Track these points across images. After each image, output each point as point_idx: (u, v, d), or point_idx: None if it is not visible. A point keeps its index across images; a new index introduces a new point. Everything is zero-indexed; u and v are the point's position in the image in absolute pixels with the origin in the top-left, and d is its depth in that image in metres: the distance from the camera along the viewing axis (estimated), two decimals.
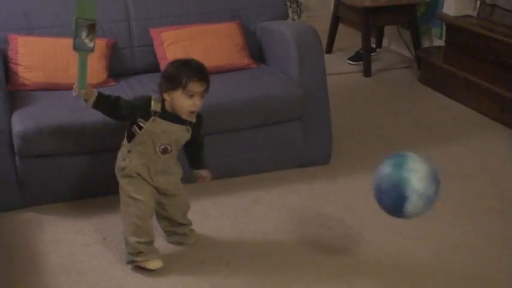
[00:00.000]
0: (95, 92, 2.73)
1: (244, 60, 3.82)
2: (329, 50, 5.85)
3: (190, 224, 2.99)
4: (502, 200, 3.39)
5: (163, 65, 3.71)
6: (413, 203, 2.37)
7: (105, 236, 3.08)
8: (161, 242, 2.96)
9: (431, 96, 4.89)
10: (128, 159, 2.77)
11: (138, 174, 2.75)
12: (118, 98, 2.78)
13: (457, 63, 4.89)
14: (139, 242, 2.77)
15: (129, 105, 2.77)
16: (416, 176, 2.37)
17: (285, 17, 4.13)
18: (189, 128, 2.77)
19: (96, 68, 3.58)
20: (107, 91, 3.45)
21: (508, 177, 3.63)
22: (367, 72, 5.33)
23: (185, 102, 2.67)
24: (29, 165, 3.21)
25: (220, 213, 3.25)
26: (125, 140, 2.79)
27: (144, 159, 2.75)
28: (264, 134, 3.57)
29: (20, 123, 3.16)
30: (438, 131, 4.26)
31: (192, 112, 2.72)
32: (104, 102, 2.75)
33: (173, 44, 3.75)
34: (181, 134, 2.77)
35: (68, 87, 3.48)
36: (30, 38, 3.59)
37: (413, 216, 2.46)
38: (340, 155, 3.85)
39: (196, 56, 3.68)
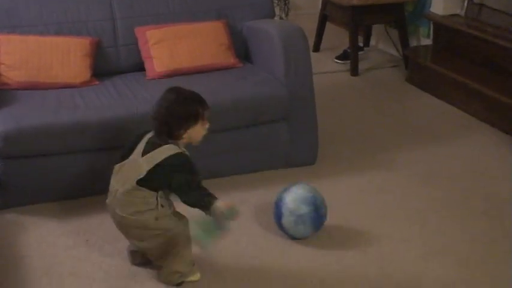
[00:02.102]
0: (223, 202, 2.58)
1: (230, 59, 3.79)
2: (316, 49, 5.82)
3: None
4: (489, 201, 3.38)
5: (148, 64, 3.70)
6: (286, 218, 2.96)
7: (88, 238, 3.04)
8: None
9: (419, 96, 4.88)
10: (166, 202, 2.66)
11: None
12: (200, 183, 2.64)
13: (444, 63, 4.88)
14: (193, 263, 2.77)
15: (197, 174, 2.66)
16: (290, 196, 2.98)
17: (272, 15, 4.11)
18: None
19: (80, 67, 3.55)
20: (90, 90, 3.47)
21: (495, 179, 3.62)
22: (354, 71, 5.31)
23: (202, 130, 2.71)
24: (11, 166, 3.17)
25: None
26: (148, 192, 2.60)
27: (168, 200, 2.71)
28: (249, 134, 3.55)
29: (1, 123, 3.12)
30: (425, 132, 4.25)
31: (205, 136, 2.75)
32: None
33: (158, 43, 3.71)
34: None
35: (51, 87, 3.48)
36: (13, 36, 3.55)
37: (295, 233, 3.00)
38: (326, 155, 3.83)
39: (181, 55, 3.70)
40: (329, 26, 5.91)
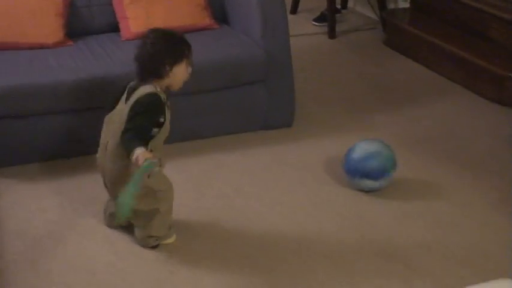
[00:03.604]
0: (145, 152, 2.41)
1: (206, 20, 3.74)
2: (294, 11, 5.77)
3: None
4: (464, 163, 3.40)
5: (123, 25, 3.64)
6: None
7: (62, 201, 3.01)
8: None
9: (396, 58, 4.87)
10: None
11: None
12: (145, 132, 2.52)
13: (422, 25, 4.86)
14: (170, 226, 2.75)
15: (152, 123, 2.55)
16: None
17: None
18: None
19: (53, 27, 3.48)
20: (64, 51, 3.41)
21: (470, 141, 3.64)
22: (331, 34, 5.27)
23: (185, 72, 2.66)
24: None
25: (182, 176, 3.19)
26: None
27: (162, 144, 2.65)
28: (226, 96, 3.52)
29: None
30: (402, 94, 4.25)
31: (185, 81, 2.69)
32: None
33: (133, 3, 3.65)
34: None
35: (23, 47, 3.41)
36: None
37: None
38: (303, 117, 3.82)
39: (157, 16, 3.64)
40: None
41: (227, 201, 3.05)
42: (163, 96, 2.58)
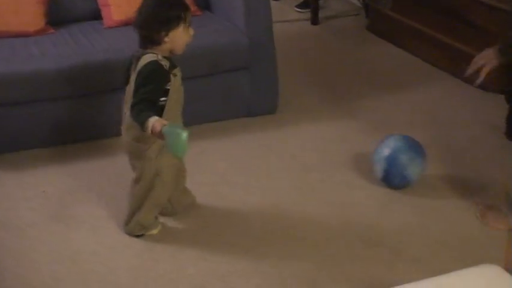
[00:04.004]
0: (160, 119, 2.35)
1: None
2: None
3: None
4: (448, 149, 3.41)
5: (105, 12, 3.61)
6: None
7: (45, 189, 3.00)
8: None
9: (380, 45, 4.87)
10: None
11: None
12: (152, 102, 2.44)
13: (405, 11, 4.86)
14: (156, 217, 2.74)
15: (158, 91, 2.47)
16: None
17: None
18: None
19: (34, 14, 3.45)
20: (45, 39, 3.38)
21: (453, 127, 3.65)
22: (314, 20, 5.27)
23: (185, 35, 2.54)
24: None
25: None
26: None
27: (179, 123, 2.59)
28: (210, 83, 3.51)
29: None
30: (386, 81, 4.25)
31: (188, 43, 2.58)
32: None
33: None
34: (181, 74, 2.60)
35: (4, 35, 3.39)
36: None
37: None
38: (287, 104, 3.81)
39: (139, 3, 3.60)
40: None
41: (212, 188, 3.05)
42: (165, 63, 2.49)
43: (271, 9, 3.59)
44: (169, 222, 2.80)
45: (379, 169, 3.02)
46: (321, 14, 5.34)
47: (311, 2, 5.30)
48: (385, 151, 3.00)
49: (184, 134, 2.26)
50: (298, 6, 5.57)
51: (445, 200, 2.99)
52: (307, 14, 5.38)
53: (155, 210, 2.72)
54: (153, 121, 2.31)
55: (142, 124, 2.34)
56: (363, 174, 3.18)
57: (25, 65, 3.14)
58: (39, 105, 3.20)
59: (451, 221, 2.85)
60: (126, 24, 3.55)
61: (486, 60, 2.79)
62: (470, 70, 2.84)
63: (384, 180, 3.03)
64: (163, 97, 2.49)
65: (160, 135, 2.29)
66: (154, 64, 2.48)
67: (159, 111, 2.45)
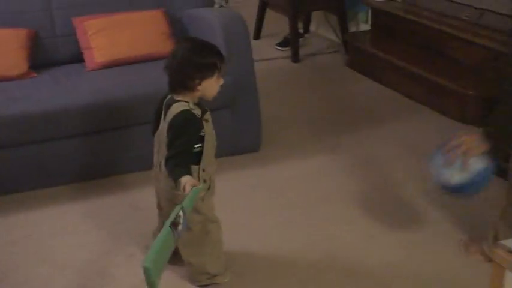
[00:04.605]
0: (191, 179, 2.34)
1: (170, 48, 3.73)
2: (257, 36, 5.83)
3: None
4: (429, 182, 3.44)
5: (87, 55, 3.64)
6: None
7: (29, 233, 2.99)
8: None
9: (359, 80, 4.94)
10: (207, 177, 2.50)
11: (214, 188, 2.59)
12: (187, 153, 2.43)
13: (383, 47, 4.95)
14: (222, 264, 2.68)
15: (192, 141, 2.45)
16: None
17: (211, 4, 4.10)
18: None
19: (16, 59, 3.48)
20: (28, 83, 3.41)
21: None
22: (295, 58, 5.33)
23: (217, 85, 2.49)
24: None
25: (149, 204, 3.18)
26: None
27: (213, 166, 2.55)
28: None
29: None
30: (367, 115, 4.30)
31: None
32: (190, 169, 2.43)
33: (97, 32, 3.66)
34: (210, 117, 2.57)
35: None
36: None
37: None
38: (270, 142, 3.85)
39: (122, 45, 3.66)
40: (269, 13, 5.91)
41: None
42: (197, 111, 2.44)
43: (252, 49, 3.64)
44: None
45: (464, 174, 2.65)
46: (302, 52, 5.41)
47: (291, 40, 5.37)
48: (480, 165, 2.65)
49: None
50: (279, 44, 5.64)
51: (429, 232, 3.01)
52: (287, 52, 5.45)
53: (220, 256, 2.67)
54: (185, 181, 2.30)
55: (175, 181, 2.34)
56: (347, 209, 3.20)
57: (8, 109, 3.16)
58: (24, 149, 3.21)
59: (436, 253, 2.86)
60: (108, 66, 3.61)
61: (469, 146, 2.52)
62: (448, 156, 2.59)
63: (454, 182, 2.68)
64: (198, 144, 2.45)
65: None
66: (186, 114, 2.42)
67: (196, 159, 2.45)
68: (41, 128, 3.19)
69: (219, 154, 3.63)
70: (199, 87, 2.44)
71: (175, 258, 2.65)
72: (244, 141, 3.70)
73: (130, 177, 3.45)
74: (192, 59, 2.43)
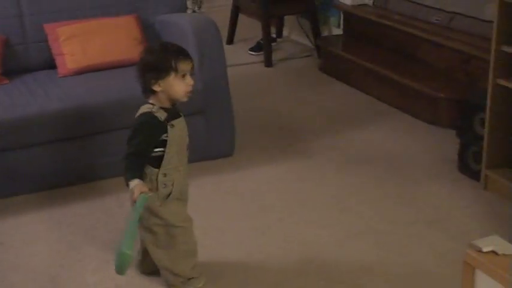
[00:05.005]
0: (140, 185, 2.37)
1: None
2: (230, 41, 5.84)
3: None
4: (402, 185, 3.47)
5: (59, 61, 3.63)
6: None
7: (2, 241, 2.97)
8: None
9: (332, 84, 4.96)
10: (169, 183, 2.49)
11: (180, 194, 2.55)
12: (140, 155, 2.44)
13: (355, 51, 4.98)
14: (192, 268, 2.62)
15: (150, 144, 2.45)
16: None
17: (183, 9, 4.09)
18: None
19: None
20: (0, 90, 3.38)
21: (406, 162, 3.72)
22: (268, 62, 5.35)
23: (180, 84, 2.46)
24: None
25: (123, 210, 3.19)
26: (150, 170, 2.46)
27: (180, 172, 2.53)
28: None
29: None
30: (340, 119, 4.33)
31: (188, 92, 2.50)
32: (142, 172, 2.46)
33: (69, 39, 3.65)
34: (184, 123, 2.58)
35: None
36: None
37: None
38: (244, 146, 3.85)
39: (94, 51, 3.65)
40: (242, 18, 5.93)
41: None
42: (160, 114, 2.45)
43: (224, 53, 3.65)
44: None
45: None
46: (275, 56, 5.43)
47: (264, 45, 5.39)
48: None
49: (128, 252, 2.21)
50: (252, 49, 5.66)
51: (402, 234, 3.04)
52: (260, 56, 5.47)
53: (189, 260, 2.63)
54: (134, 185, 2.34)
55: (126, 182, 2.37)
56: (320, 212, 3.22)
57: None
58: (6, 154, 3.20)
59: (408, 255, 2.89)
60: (80, 72, 3.60)
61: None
62: None
63: None
64: (159, 148, 2.45)
65: (133, 202, 2.34)
66: (146, 116, 2.45)
67: (155, 162, 2.45)
68: (13, 134, 3.17)
69: (192, 159, 3.64)
70: (157, 88, 2.44)
71: (153, 267, 2.68)
72: (217, 146, 3.71)
73: (105, 183, 3.44)
74: (145, 60, 2.48)
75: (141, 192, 2.32)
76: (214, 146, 3.70)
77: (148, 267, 2.71)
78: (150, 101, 2.49)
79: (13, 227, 3.09)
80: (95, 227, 3.10)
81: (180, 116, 2.55)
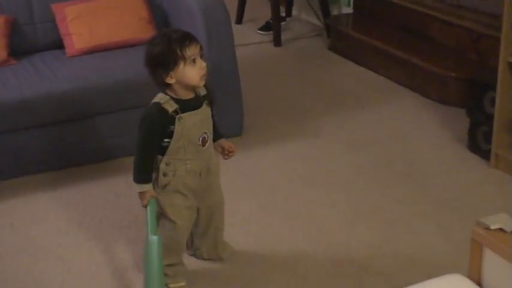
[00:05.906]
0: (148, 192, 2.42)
1: (150, 34, 3.68)
2: (239, 21, 5.81)
3: None
4: (411, 164, 3.46)
5: (67, 41, 3.62)
6: None
7: (12, 221, 2.98)
8: None
9: (342, 63, 4.93)
10: (170, 173, 2.42)
11: (184, 188, 2.46)
12: (146, 149, 2.42)
13: (365, 30, 4.94)
14: (167, 265, 2.51)
15: (153, 138, 2.39)
16: None
17: None
18: (206, 101, 2.48)
19: None
20: (7, 70, 3.38)
21: (416, 142, 3.70)
22: (277, 42, 5.32)
23: (192, 70, 2.35)
24: None
25: (134, 191, 3.18)
26: (157, 156, 2.41)
27: (186, 165, 2.44)
28: None
29: None
30: (349, 99, 4.30)
31: (203, 75, 2.39)
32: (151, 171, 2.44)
33: (76, 19, 3.64)
34: (207, 112, 2.49)
35: None
36: None
37: None
38: (253, 126, 3.84)
39: (101, 31, 3.64)
40: None
41: None
42: (168, 106, 2.36)
43: (233, 33, 3.63)
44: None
45: None
46: (284, 36, 5.39)
47: (273, 24, 5.36)
48: None
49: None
50: (261, 29, 5.62)
51: (410, 214, 3.03)
52: (269, 36, 5.43)
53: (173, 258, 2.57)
54: (145, 190, 2.39)
55: (133, 179, 2.42)
56: (329, 192, 3.21)
57: None
58: (3, 137, 3.19)
59: (416, 234, 2.88)
60: (88, 52, 3.59)
61: None
62: None
63: None
64: (167, 138, 2.38)
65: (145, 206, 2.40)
66: (151, 108, 2.38)
67: (162, 150, 2.40)
68: (21, 115, 3.17)
69: None
70: (171, 80, 2.36)
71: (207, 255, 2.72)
72: (226, 126, 3.65)
73: (113, 163, 3.44)
74: (148, 55, 2.38)
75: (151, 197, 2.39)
76: (222, 126, 3.63)
77: (202, 254, 2.72)
78: (164, 92, 2.41)
79: (22, 207, 3.11)
80: (103, 207, 3.11)
81: (200, 107, 2.44)
